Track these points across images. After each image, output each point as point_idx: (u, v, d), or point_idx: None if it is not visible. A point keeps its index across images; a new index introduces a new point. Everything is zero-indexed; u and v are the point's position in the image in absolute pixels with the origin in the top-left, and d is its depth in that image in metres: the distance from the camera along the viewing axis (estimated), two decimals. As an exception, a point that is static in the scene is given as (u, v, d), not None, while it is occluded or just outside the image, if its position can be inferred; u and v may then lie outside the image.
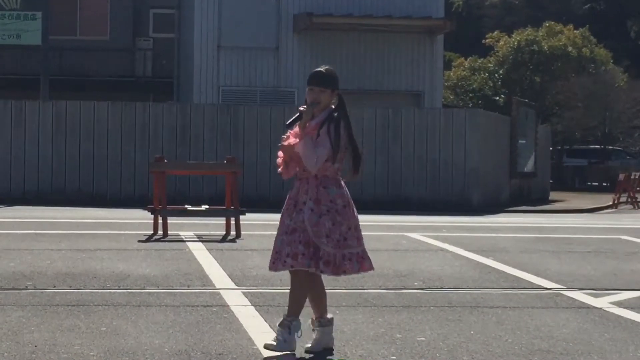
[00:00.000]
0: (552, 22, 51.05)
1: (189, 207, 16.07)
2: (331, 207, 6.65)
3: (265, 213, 18.35)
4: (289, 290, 6.89)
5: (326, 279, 9.93)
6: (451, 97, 49.77)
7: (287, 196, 6.82)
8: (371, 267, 6.88)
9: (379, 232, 16.27)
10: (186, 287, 9.55)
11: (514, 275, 10.98)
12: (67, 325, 7.59)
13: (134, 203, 23.20)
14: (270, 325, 7.57)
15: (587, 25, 52.28)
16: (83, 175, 25.35)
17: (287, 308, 6.81)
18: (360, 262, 6.77)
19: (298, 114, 6.70)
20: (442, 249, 13.59)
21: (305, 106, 6.77)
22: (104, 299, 8.75)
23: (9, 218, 18.17)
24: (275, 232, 6.87)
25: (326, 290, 9.44)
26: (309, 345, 6.81)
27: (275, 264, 6.68)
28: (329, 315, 6.89)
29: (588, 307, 9.00)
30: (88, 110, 25.60)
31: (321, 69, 6.79)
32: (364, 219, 21.08)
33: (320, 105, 6.71)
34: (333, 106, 6.81)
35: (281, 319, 6.75)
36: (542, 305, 9.03)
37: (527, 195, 31.19)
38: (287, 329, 6.67)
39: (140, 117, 25.66)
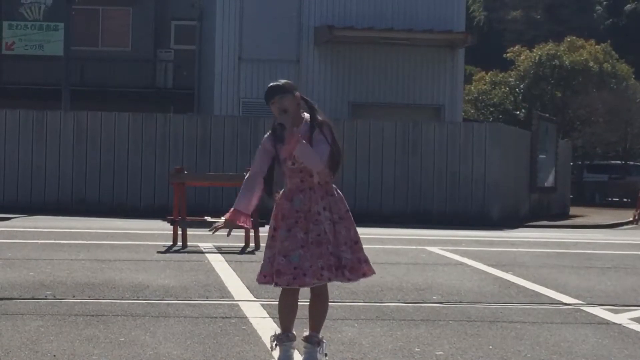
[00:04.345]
0: (574, 37, 51.02)
1: (209, 219, 16.09)
2: (340, 214, 6.56)
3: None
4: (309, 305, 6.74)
5: (344, 290, 9.94)
6: (472, 111, 49.74)
7: (282, 210, 6.53)
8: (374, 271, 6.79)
9: (398, 245, 16.25)
10: (205, 299, 9.55)
11: (533, 290, 10.94)
12: (86, 335, 7.60)
13: (153, 214, 23.27)
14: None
15: (609, 41, 52.22)
16: (103, 186, 25.44)
17: (311, 323, 6.63)
18: (370, 264, 6.70)
19: (279, 126, 6.43)
20: (461, 263, 13.56)
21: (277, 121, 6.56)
22: (123, 310, 8.77)
23: (29, 228, 18.23)
24: None
25: (345, 303, 9.43)
26: None
27: (299, 280, 6.36)
28: (294, 332, 6.74)
29: (607, 323, 8.96)
30: (109, 121, 25.70)
31: (270, 84, 6.64)
32: (383, 233, 21.02)
33: (288, 111, 6.45)
34: (306, 114, 6.58)
35: (311, 336, 6.58)
36: (561, 320, 9.00)
37: (547, 210, 31.10)
38: (319, 346, 6.60)
39: (161, 129, 25.74)
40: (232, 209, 6.60)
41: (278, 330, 6.68)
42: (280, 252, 6.45)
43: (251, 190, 6.63)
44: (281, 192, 6.64)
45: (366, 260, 6.61)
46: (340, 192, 6.65)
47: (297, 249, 6.42)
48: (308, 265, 6.37)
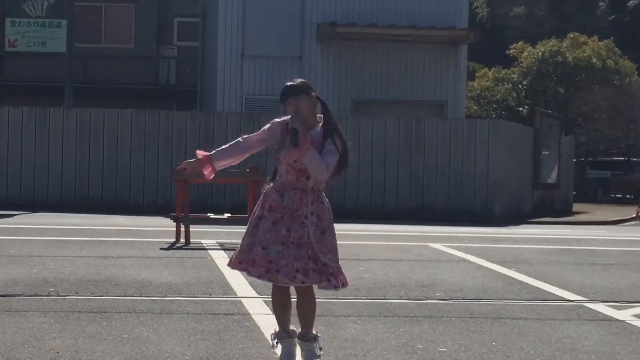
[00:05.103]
0: (577, 34, 50.94)
1: (212, 215, 16.10)
2: (327, 222, 6.55)
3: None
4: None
5: (347, 287, 9.93)
6: (474, 107, 49.68)
7: (270, 201, 6.57)
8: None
9: (401, 242, 16.25)
10: (208, 295, 9.56)
11: (536, 287, 10.94)
12: (89, 331, 7.61)
13: (156, 211, 23.28)
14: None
15: (612, 37, 52.14)
16: (106, 183, 25.44)
17: (301, 322, 6.64)
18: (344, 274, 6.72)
19: (292, 130, 6.46)
20: (464, 260, 13.55)
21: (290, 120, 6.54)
22: (126, 306, 8.77)
23: (32, 225, 18.25)
24: None
25: (348, 300, 9.43)
26: None
27: (270, 274, 6.40)
28: (292, 327, 6.76)
29: (610, 319, 8.96)
30: (112, 118, 25.70)
31: (286, 84, 6.63)
32: (386, 229, 20.99)
33: (303, 112, 6.48)
34: (321, 115, 6.58)
35: (306, 334, 6.60)
36: (564, 317, 9.00)
37: (549, 207, 31.07)
38: (315, 341, 6.62)
39: (164, 125, 25.73)
40: (206, 155, 6.60)
41: (277, 328, 6.69)
42: (261, 243, 6.48)
43: (234, 152, 6.68)
44: (268, 180, 6.67)
45: (341, 271, 6.64)
46: (327, 201, 6.66)
47: (277, 244, 6.44)
48: (284, 263, 6.39)
